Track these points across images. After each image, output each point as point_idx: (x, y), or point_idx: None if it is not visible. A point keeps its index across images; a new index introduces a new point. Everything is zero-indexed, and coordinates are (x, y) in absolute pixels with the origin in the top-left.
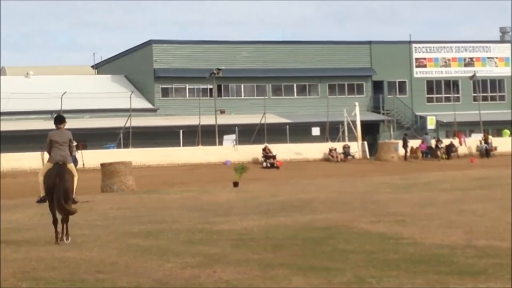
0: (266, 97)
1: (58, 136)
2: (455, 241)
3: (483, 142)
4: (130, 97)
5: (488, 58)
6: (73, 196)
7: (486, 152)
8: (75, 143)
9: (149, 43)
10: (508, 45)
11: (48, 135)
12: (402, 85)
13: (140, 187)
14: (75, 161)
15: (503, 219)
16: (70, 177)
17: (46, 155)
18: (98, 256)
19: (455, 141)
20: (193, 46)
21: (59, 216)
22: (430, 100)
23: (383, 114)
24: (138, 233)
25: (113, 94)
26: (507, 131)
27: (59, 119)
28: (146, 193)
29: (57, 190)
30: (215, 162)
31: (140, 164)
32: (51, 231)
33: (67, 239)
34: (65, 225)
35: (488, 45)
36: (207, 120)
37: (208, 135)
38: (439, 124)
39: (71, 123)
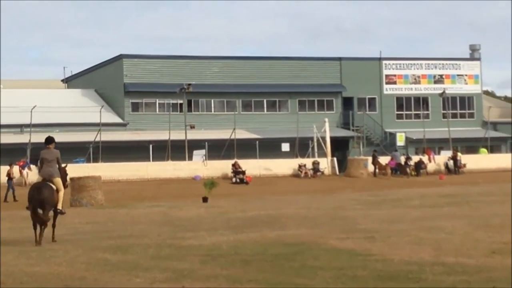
0: (236, 113)
1: (48, 155)
2: (423, 258)
3: (451, 159)
4: (100, 111)
5: (458, 75)
6: (60, 207)
7: (447, 168)
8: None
9: (119, 57)
10: (478, 62)
11: (40, 154)
12: (372, 101)
13: (109, 202)
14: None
15: (471, 236)
16: (48, 190)
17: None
18: (67, 270)
19: (424, 158)
20: (163, 61)
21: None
22: (399, 116)
23: (353, 130)
24: (107, 248)
25: (83, 108)
26: (484, 150)
27: (49, 140)
28: (115, 208)
29: (34, 200)
30: (184, 177)
31: (110, 179)
32: (21, 245)
33: (51, 239)
34: (43, 228)
35: (457, 62)
36: (177, 135)
37: (177, 150)
38: (409, 141)
39: (41, 137)
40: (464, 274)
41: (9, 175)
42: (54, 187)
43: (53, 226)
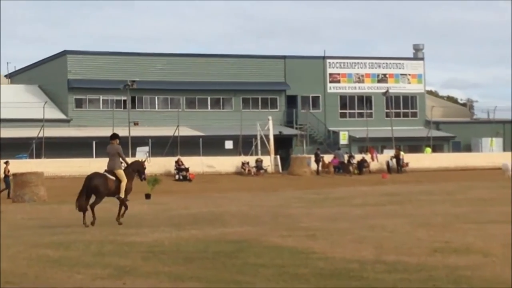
0: (180, 110)
1: (110, 149)
2: (365, 256)
3: (393, 158)
4: (44, 107)
5: (401, 74)
6: (121, 195)
7: (388, 167)
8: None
9: (63, 53)
10: (421, 62)
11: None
12: (315, 100)
13: (52, 198)
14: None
15: (412, 234)
16: (99, 179)
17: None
18: (8, 267)
19: (367, 157)
20: (107, 58)
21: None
22: (343, 115)
23: (296, 128)
24: (48, 244)
25: (26, 104)
26: (428, 149)
27: (112, 136)
28: (58, 204)
29: (84, 187)
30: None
31: (53, 175)
32: None
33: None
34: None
35: (401, 61)
36: (121, 131)
37: (121, 146)
38: (352, 139)
39: None
40: (405, 272)
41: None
42: (113, 177)
43: (121, 209)
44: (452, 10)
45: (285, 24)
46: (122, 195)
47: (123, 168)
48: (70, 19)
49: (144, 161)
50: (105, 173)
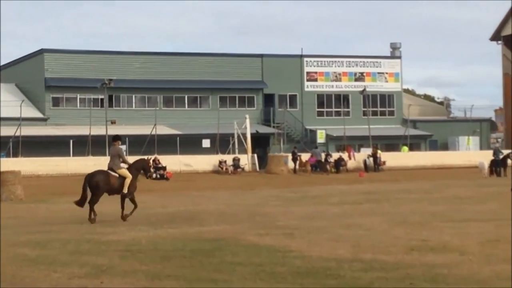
0: (157, 108)
1: (112, 151)
2: (342, 255)
3: (370, 156)
4: (21, 106)
5: (378, 73)
6: (124, 191)
7: (365, 165)
8: None
9: (40, 52)
10: (398, 60)
11: None
12: (293, 98)
13: (29, 197)
14: None
15: (389, 233)
16: (100, 176)
17: None
18: None
19: (345, 155)
20: (85, 56)
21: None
22: (320, 114)
23: (274, 127)
24: (25, 243)
25: (3, 102)
26: (405, 148)
27: (114, 138)
28: (35, 203)
29: (84, 183)
30: None
31: (30, 174)
32: None
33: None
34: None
35: (378, 60)
36: (98, 130)
37: (98, 145)
38: (329, 138)
39: None
40: (382, 270)
41: None
42: (116, 174)
43: (136, 206)
44: (430, 8)
45: (262, 22)
46: (125, 191)
47: (121, 168)
48: (47, 17)
49: (152, 159)
50: (108, 170)
